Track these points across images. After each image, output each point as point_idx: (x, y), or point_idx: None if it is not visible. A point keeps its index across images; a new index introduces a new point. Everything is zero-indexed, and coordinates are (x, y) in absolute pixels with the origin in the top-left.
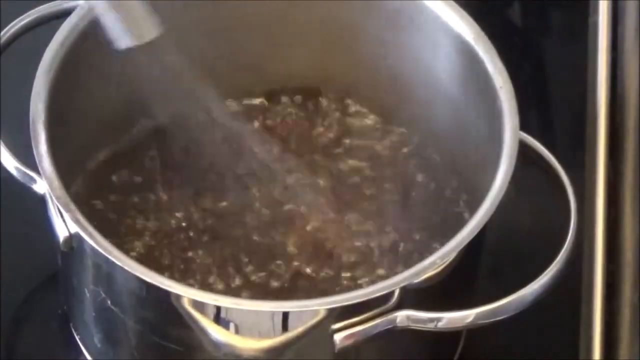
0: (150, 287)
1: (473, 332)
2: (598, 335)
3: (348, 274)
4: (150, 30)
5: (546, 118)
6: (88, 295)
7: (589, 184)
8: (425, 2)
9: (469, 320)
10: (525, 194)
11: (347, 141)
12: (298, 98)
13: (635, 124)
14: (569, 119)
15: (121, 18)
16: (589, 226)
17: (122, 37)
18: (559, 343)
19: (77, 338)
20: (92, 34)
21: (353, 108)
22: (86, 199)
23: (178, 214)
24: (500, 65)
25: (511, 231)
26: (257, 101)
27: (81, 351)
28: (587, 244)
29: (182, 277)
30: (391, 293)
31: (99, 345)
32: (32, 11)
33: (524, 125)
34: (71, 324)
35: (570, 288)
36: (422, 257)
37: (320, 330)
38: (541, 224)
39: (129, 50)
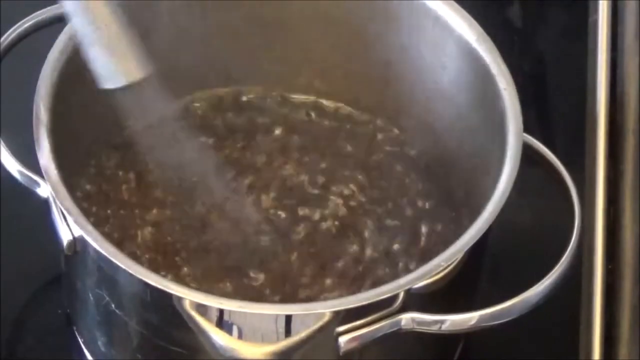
0: (154, 290)
1: (473, 331)
2: (598, 335)
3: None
4: (138, 69)
5: (546, 118)
6: (92, 298)
7: (589, 184)
8: (426, 2)
9: (473, 322)
10: (527, 195)
11: (346, 143)
12: (296, 100)
13: (635, 124)
14: (569, 119)
15: (109, 54)
16: (589, 226)
17: (108, 76)
18: (559, 343)
19: (80, 342)
20: None
21: (353, 110)
22: (88, 200)
23: (180, 214)
24: (503, 66)
25: (512, 233)
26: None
27: (85, 355)
28: (587, 244)
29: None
30: (396, 296)
31: (102, 349)
32: (33, 15)
33: (524, 125)
34: (75, 328)
35: (571, 288)
36: (425, 259)
37: (325, 333)
38: (543, 226)
39: (114, 90)
